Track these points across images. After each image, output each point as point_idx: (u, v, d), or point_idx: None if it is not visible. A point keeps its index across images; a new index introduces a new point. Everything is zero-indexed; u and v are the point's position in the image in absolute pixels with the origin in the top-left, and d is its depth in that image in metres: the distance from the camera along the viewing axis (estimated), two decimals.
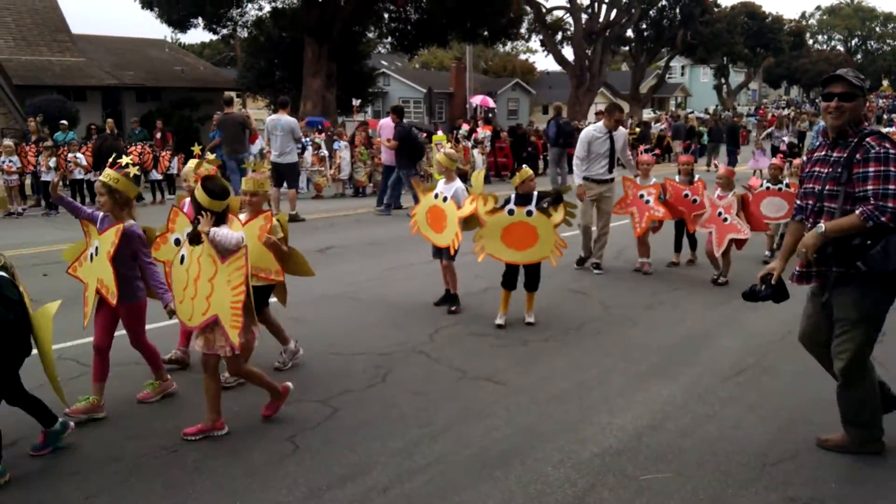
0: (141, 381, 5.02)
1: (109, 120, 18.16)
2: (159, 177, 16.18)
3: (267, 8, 28.24)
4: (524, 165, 7.08)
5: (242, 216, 4.85)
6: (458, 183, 6.65)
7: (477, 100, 27.68)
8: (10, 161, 14.14)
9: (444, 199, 6.56)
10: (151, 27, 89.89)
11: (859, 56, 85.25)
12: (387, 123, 14.18)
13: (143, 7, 25.42)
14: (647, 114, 43.44)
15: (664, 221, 8.73)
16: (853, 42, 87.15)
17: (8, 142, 14.89)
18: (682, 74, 69.10)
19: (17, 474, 3.79)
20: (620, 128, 8.71)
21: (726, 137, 23.51)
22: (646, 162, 8.61)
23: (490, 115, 25.92)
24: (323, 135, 17.94)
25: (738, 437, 4.25)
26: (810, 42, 77.48)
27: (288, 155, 12.38)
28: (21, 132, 17.84)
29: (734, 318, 6.75)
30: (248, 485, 3.71)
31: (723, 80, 60.21)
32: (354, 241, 10.55)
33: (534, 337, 6.14)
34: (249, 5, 27.64)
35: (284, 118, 12.42)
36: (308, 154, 16.43)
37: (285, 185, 12.64)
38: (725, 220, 7.86)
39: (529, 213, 6.27)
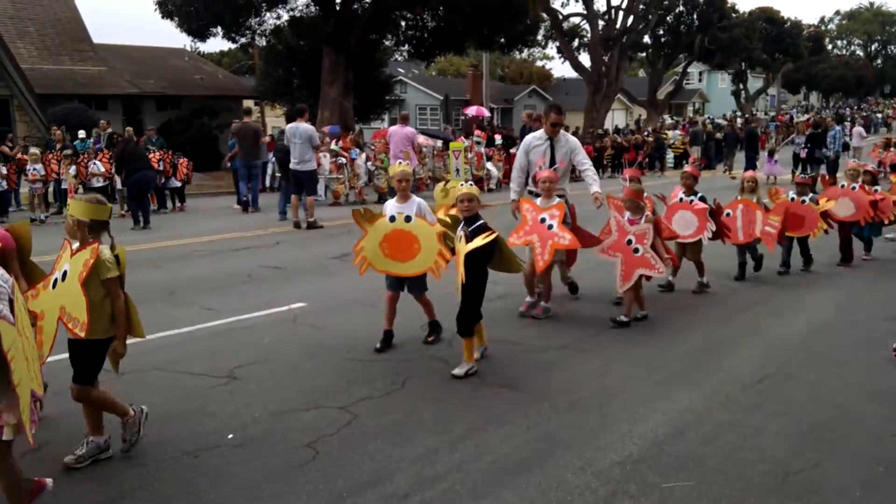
0: (163, 388, 5.07)
1: (129, 128, 18.38)
2: (178, 184, 16.34)
3: (285, 17, 28.45)
4: (469, 182, 5.87)
5: (76, 245, 3.96)
6: (416, 198, 5.88)
7: (472, 111, 27.68)
8: (35, 169, 14.35)
9: (408, 218, 5.76)
10: (171, 36, 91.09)
11: (879, 61, 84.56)
12: (395, 131, 14.23)
13: (163, 17, 25.68)
14: (668, 120, 43.26)
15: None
16: (873, 47, 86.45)
17: (34, 150, 15.12)
18: (700, 80, 68.82)
19: (40, 477, 3.83)
20: (564, 133, 7.48)
21: (745, 143, 23.30)
22: (547, 178, 6.67)
23: (485, 124, 25.92)
24: (340, 142, 18.05)
25: (759, 446, 4.21)
26: (829, 47, 76.94)
27: (307, 163, 12.48)
28: (44, 140, 18.10)
29: (755, 326, 6.70)
30: (268, 491, 3.73)
31: (741, 86, 59.86)
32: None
33: (552, 344, 6.13)
34: (268, 14, 27.84)
35: (303, 126, 12.52)
36: (326, 161, 16.54)
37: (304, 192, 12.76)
38: (636, 250, 6.58)
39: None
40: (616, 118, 50.40)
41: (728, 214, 8.13)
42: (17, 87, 21.46)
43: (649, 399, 4.92)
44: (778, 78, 64.87)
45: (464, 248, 5.24)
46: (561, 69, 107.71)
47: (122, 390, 5.03)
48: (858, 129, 28.26)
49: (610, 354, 5.90)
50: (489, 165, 20.07)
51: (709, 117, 48.39)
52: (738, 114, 51.68)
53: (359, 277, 6.10)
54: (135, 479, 3.83)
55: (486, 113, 28.25)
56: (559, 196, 6.80)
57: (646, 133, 29.00)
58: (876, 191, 9.46)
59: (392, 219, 5.76)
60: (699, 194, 7.98)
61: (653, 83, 45.78)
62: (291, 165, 12.59)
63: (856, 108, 64.27)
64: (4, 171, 14.55)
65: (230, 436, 4.34)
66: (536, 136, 7.34)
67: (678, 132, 29.16)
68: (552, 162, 7.15)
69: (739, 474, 3.88)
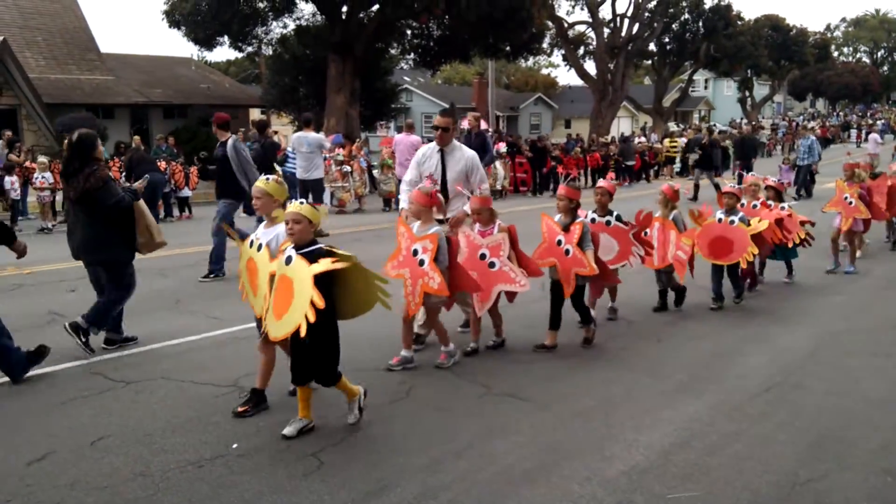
0: (168, 397, 5.07)
1: (136, 136, 18.47)
2: (189, 193, 16.44)
3: (291, 26, 28.60)
4: (301, 200, 4.53)
5: None
6: (279, 226, 4.68)
7: (465, 124, 27.78)
8: (43, 177, 14.43)
9: (260, 247, 4.74)
10: (178, 46, 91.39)
11: (885, 68, 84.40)
12: (401, 139, 14.29)
13: (170, 26, 25.86)
14: (672, 127, 43.23)
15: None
16: (879, 54, 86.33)
17: (42, 159, 15.22)
18: (706, 88, 68.82)
19: (45, 487, 3.84)
20: (458, 145, 6.40)
21: (738, 150, 22.07)
22: (418, 202, 5.51)
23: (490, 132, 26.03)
24: (345, 151, 18.11)
25: (767, 456, 4.18)
26: (835, 54, 76.83)
27: (315, 171, 12.66)
28: (52, 149, 18.19)
29: (761, 335, 6.67)
30: (273, 501, 3.72)
31: (747, 93, 59.81)
32: (378, 256, 10.56)
33: (558, 353, 6.11)
34: (274, 23, 28.01)
35: (311, 135, 12.75)
36: (332, 169, 16.61)
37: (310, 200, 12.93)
38: (492, 265, 5.84)
39: (289, 261, 4.32)
40: (622, 125, 50.41)
41: (646, 234, 7.07)
42: (25, 96, 21.62)
43: (655, 408, 4.89)
44: (784, 85, 64.85)
45: (302, 272, 4.16)
46: (566, 77, 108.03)
47: (126, 398, 5.06)
48: (874, 135, 28.21)
49: (615, 363, 5.88)
50: (498, 165, 20.12)
51: (713, 124, 48.32)
52: (745, 121, 51.58)
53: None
54: (139, 489, 3.83)
55: (483, 124, 28.30)
56: (460, 219, 5.92)
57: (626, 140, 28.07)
58: (783, 208, 8.39)
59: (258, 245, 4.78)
60: (615, 213, 6.81)
61: (658, 91, 45.79)
62: (298, 175, 12.78)
63: (861, 115, 64.11)
64: (16, 179, 14.67)
65: (234, 445, 4.33)
66: (429, 147, 6.38)
67: (685, 140, 29.05)
68: (443, 178, 6.16)
69: (746, 485, 3.85)
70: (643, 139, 29.90)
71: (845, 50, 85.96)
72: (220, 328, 6.76)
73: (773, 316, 7.34)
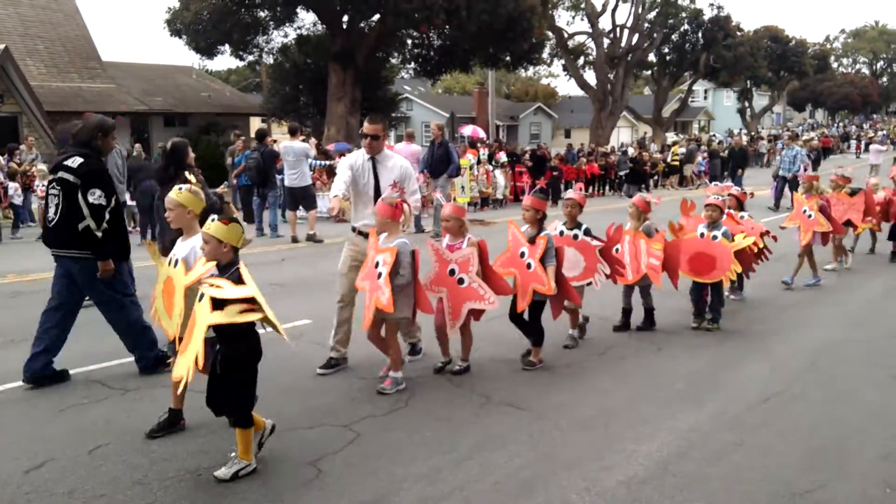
0: (166, 405, 5.07)
1: (137, 144, 18.50)
2: None
3: (292, 35, 28.75)
4: (213, 218, 4.03)
5: None
6: (195, 238, 4.42)
7: (468, 130, 27.86)
8: (43, 185, 14.44)
9: (176, 262, 4.43)
10: (179, 54, 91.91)
11: (885, 79, 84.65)
12: (401, 148, 14.31)
13: (171, 35, 25.98)
14: (672, 137, 43.34)
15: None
16: (878, 65, 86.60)
17: (42, 166, 15.24)
18: (706, 98, 68.98)
19: (42, 495, 3.83)
20: (389, 153, 5.99)
21: (732, 162, 22.09)
22: (382, 214, 5.30)
23: (478, 143, 26.07)
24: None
25: (766, 466, 4.18)
26: (835, 65, 77.06)
27: (301, 179, 12.96)
28: (53, 157, 18.21)
29: (760, 345, 6.66)
30: None
31: (746, 104, 59.98)
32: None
33: (557, 363, 6.10)
34: (275, 32, 28.16)
35: (297, 144, 13.11)
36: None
37: (301, 209, 13.30)
38: (461, 281, 5.54)
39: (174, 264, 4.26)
40: (622, 135, 50.52)
41: (616, 250, 6.75)
42: (27, 104, 21.66)
43: (654, 418, 4.89)
44: (783, 96, 65.02)
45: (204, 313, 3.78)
46: (566, 87, 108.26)
47: (126, 406, 5.05)
48: (875, 146, 28.24)
49: (615, 373, 5.87)
50: (498, 173, 20.18)
51: (713, 134, 48.45)
52: (745, 131, 51.71)
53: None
54: (137, 497, 3.82)
55: (482, 133, 28.41)
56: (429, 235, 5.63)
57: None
58: (743, 217, 8.01)
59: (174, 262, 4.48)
60: (583, 226, 6.45)
61: (658, 101, 45.93)
62: (287, 182, 13.21)
63: (859, 126, 64.25)
64: (19, 185, 14.72)
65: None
66: (359, 154, 5.90)
67: (682, 149, 29.12)
68: (376, 188, 5.76)
69: (746, 495, 3.85)
70: (630, 150, 29.60)
71: (844, 61, 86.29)
72: None
73: (772, 325, 7.34)
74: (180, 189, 4.61)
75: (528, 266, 5.70)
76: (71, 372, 5.71)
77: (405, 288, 5.20)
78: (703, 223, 7.17)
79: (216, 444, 4.45)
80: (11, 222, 15.01)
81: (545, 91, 62.57)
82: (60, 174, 5.35)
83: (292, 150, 12.95)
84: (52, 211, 5.44)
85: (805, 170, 17.19)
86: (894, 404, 5.17)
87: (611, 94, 37.14)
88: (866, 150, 36.04)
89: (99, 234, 5.37)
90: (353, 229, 5.89)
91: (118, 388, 5.44)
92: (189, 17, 24.77)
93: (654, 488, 3.93)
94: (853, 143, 50.88)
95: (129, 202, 14.77)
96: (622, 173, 24.35)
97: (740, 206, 8.31)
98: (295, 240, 12.82)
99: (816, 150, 33.65)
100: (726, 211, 7.56)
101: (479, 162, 20.07)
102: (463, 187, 17.62)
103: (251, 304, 3.79)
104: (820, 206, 9.00)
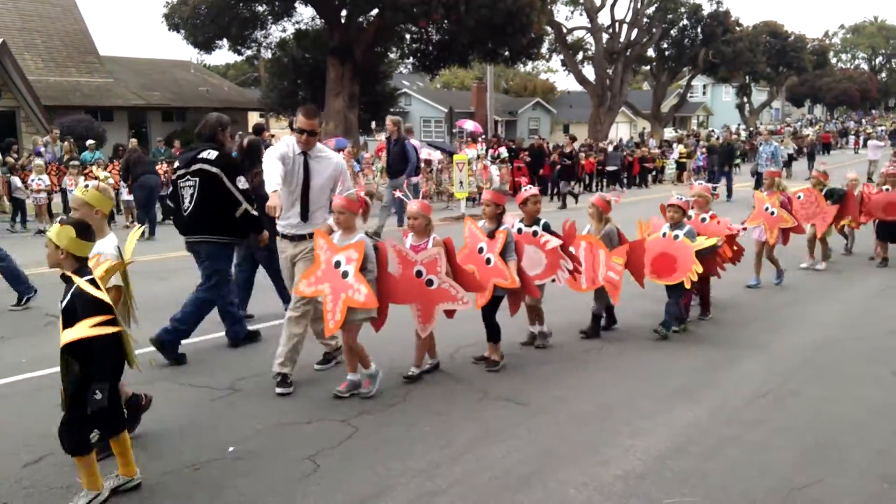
0: (167, 400, 5.07)
1: (133, 139, 18.49)
2: None
3: (290, 29, 28.67)
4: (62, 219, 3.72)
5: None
6: (106, 242, 4.17)
7: (469, 126, 27.84)
8: (40, 180, 14.44)
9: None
10: (177, 49, 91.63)
11: (883, 74, 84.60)
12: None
13: (169, 29, 25.90)
14: (669, 133, 43.34)
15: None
16: (877, 60, 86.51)
17: (38, 161, 15.23)
18: (704, 93, 68.88)
19: (41, 489, 3.83)
20: (323, 148, 5.58)
21: (719, 158, 21.41)
22: (349, 208, 5.07)
23: (479, 138, 25.99)
24: (348, 154, 18.20)
25: (763, 461, 4.19)
26: (834, 61, 76.98)
27: None
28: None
29: (758, 341, 6.67)
30: None
31: (745, 99, 59.93)
32: None
33: (555, 358, 6.11)
34: (273, 27, 28.08)
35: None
36: None
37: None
38: (430, 282, 5.27)
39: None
40: (620, 131, 50.48)
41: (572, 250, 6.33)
42: (24, 98, 21.63)
43: (652, 413, 4.90)
44: (782, 91, 64.95)
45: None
46: (565, 82, 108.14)
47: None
48: (874, 142, 28.19)
49: (613, 368, 5.88)
50: (493, 169, 20.17)
51: (711, 130, 48.41)
52: (743, 127, 51.69)
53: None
54: (134, 492, 3.82)
55: (479, 128, 28.35)
56: (373, 233, 5.21)
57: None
58: (704, 221, 7.40)
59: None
60: (542, 221, 6.16)
61: (657, 96, 45.85)
62: None
63: (857, 122, 64.23)
64: (19, 181, 14.70)
65: (231, 448, 4.33)
66: (290, 147, 5.38)
67: (680, 146, 29.09)
68: (305, 187, 5.36)
69: (743, 490, 3.86)
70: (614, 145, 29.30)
71: (843, 56, 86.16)
72: (217, 331, 6.75)
73: (770, 322, 7.35)
74: (87, 187, 4.36)
75: (488, 261, 5.60)
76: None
77: (371, 284, 4.96)
78: (682, 221, 6.88)
79: (214, 438, 4.46)
80: (10, 216, 15.00)
81: (544, 86, 62.44)
82: (199, 166, 5.77)
83: None
84: (186, 201, 5.87)
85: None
86: (891, 400, 5.18)
87: (609, 89, 37.09)
88: (864, 145, 36.02)
89: (255, 213, 5.86)
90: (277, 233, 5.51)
91: None
92: (187, 12, 24.71)
93: (652, 483, 3.93)
94: (852, 138, 50.87)
95: (127, 196, 14.80)
96: (610, 168, 24.36)
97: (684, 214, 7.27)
98: None
99: (810, 145, 33.62)
100: (710, 212, 7.39)
101: (478, 157, 20.09)
102: (462, 182, 17.63)
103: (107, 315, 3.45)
104: (781, 201, 8.74)
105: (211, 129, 6.01)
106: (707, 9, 42.46)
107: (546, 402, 5.11)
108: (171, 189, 6.41)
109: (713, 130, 46.45)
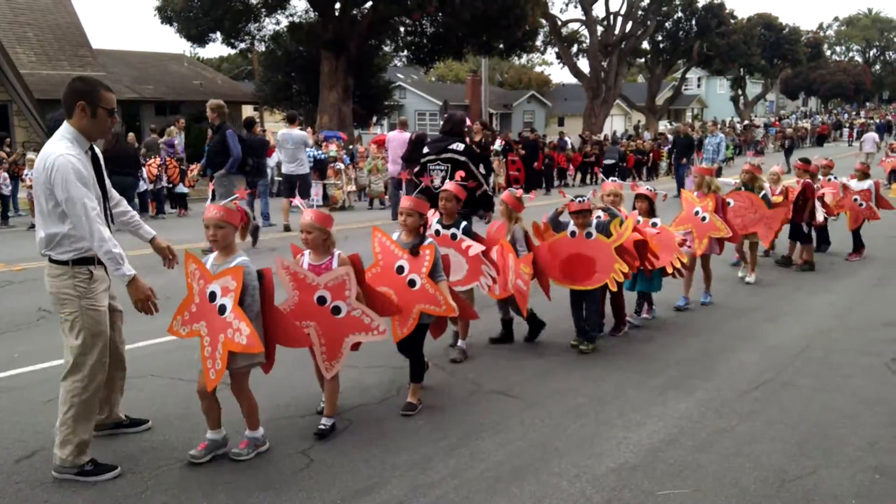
0: (157, 394, 5.06)
1: (131, 133, 18.41)
2: (186, 190, 16.44)
3: (284, 22, 28.53)
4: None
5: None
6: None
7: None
8: (32, 174, 14.39)
9: None
10: (170, 42, 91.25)
11: (878, 67, 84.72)
12: (394, 136, 14.31)
13: (162, 22, 25.77)
14: (664, 125, 43.36)
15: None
16: (871, 53, 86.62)
17: (31, 155, 15.16)
18: (699, 86, 68.91)
19: (32, 484, 3.82)
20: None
21: (677, 151, 20.39)
22: (230, 220, 4.07)
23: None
24: (338, 146, 18.17)
25: (756, 453, 4.20)
26: (828, 53, 77.13)
27: (301, 166, 12.88)
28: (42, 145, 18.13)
29: (751, 333, 6.69)
30: (262, 498, 3.71)
31: (740, 92, 59.99)
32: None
33: (549, 351, 6.12)
34: (267, 20, 27.95)
35: (295, 132, 13.01)
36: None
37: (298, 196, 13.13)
38: (337, 310, 4.33)
39: None
40: (615, 123, 50.49)
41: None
42: (16, 92, 21.48)
43: (645, 406, 4.91)
44: (776, 84, 65.05)
45: None
46: (560, 74, 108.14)
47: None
48: (871, 134, 28.13)
49: (606, 361, 5.88)
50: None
51: (704, 122, 48.41)
52: (738, 119, 51.75)
53: None
54: (127, 486, 3.81)
55: (469, 122, 28.36)
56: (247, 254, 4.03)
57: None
58: (654, 224, 6.63)
59: None
60: (462, 224, 5.64)
61: (652, 89, 45.91)
62: (285, 169, 13.19)
63: (854, 114, 64.34)
64: (6, 175, 14.66)
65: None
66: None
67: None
68: (103, 191, 4.51)
69: (735, 481, 3.87)
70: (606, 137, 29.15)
71: (838, 49, 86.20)
72: None
73: (763, 314, 7.36)
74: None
75: (412, 283, 4.70)
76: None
77: (254, 321, 3.93)
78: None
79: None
80: (0, 212, 14.94)
81: (539, 79, 62.40)
82: (449, 155, 7.05)
83: (291, 138, 12.87)
84: (437, 181, 6.85)
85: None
86: (884, 391, 5.20)
87: (604, 81, 37.07)
88: (858, 137, 36.05)
89: (491, 193, 7.32)
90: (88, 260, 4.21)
91: None
92: (180, 4, 24.57)
93: (645, 475, 3.94)
94: (846, 130, 50.98)
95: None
96: (608, 162, 24.31)
97: (651, 208, 6.83)
98: (287, 228, 12.76)
99: (791, 138, 33.53)
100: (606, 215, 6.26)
101: None
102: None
103: None
104: (714, 206, 7.49)
105: (458, 127, 7.36)
106: (701, 1, 42.53)
107: (539, 395, 5.12)
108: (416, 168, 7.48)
109: (706, 123, 46.49)
